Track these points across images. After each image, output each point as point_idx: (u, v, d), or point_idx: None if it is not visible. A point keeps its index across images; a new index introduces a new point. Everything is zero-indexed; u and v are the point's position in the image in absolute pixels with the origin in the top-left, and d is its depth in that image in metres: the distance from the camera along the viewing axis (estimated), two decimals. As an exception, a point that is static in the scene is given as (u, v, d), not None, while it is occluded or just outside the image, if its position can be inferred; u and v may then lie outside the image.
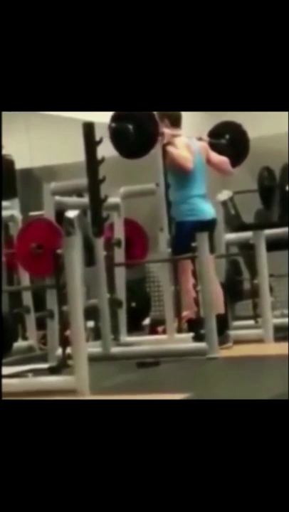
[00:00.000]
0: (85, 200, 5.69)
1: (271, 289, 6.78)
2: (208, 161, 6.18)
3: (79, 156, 5.67)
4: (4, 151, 6.16)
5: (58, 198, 5.67)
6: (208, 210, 6.09)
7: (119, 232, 6.25)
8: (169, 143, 5.93)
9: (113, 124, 5.75)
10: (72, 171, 7.23)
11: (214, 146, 6.32)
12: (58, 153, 9.35)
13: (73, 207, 5.67)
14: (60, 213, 5.54)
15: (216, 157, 6.23)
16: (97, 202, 5.52)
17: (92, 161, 5.49)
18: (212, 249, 6.09)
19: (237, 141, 6.58)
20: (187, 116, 6.26)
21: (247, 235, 6.56)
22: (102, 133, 5.55)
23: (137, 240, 6.38)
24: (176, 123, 6.07)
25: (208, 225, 5.95)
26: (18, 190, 6.46)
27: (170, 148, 5.93)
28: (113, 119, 5.79)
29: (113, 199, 6.05)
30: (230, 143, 6.52)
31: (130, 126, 5.71)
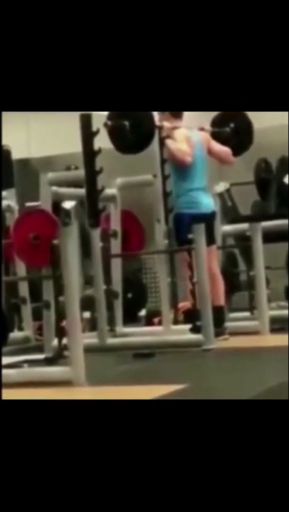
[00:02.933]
0: (82, 191, 5.69)
1: (268, 281, 6.79)
2: (209, 151, 6.14)
3: (76, 146, 5.67)
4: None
5: (54, 188, 5.66)
6: (207, 203, 6.08)
7: (115, 224, 6.25)
8: (168, 136, 5.91)
9: (109, 122, 5.73)
10: (70, 162, 7.24)
11: (217, 135, 6.28)
12: (55, 144, 9.34)
13: (70, 198, 5.67)
14: (56, 204, 5.55)
15: (217, 147, 6.18)
16: (93, 193, 5.52)
17: (89, 152, 5.49)
18: (213, 240, 6.09)
19: (241, 130, 6.54)
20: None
21: (243, 226, 6.56)
22: (99, 124, 5.55)
23: (133, 231, 6.38)
24: (177, 115, 6.03)
25: (207, 218, 5.94)
26: (14, 180, 6.45)
27: (169, 142, 5.90)
28: (109, 116, 5.78)
29: (110, 190, 6.05)
30: (234, 132, 6.48)
31: (126, 123, 5.70)
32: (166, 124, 5.91)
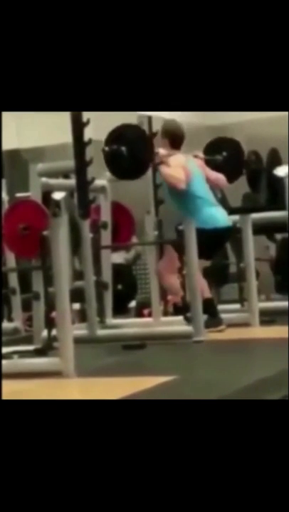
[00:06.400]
0: (72, 181, 5.67)
1: (257, 273, 6.79)
2: (206, 178, 6.12)
3: (66, 137, 5.64)
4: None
5: (44, 179, 5.64)
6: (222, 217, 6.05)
7: (105, 215, 6.24)
8: (162, 162, 5.87)
9: (107, 148, 5.70)
10: (60, 153, 7.22)
11: (209, 163, 6.28)
12: (45, 135, 9.30)
13: (60, 188, 5.65)
14: (46, 195, 5.53)
15: (213, 174, 6.15)
16: (83, 184, 5.51)
17: (80, 143, 5.47)
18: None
19: (234, 158, 6.55)
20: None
21: (233, 218, 6.55)
22: (89, 115, 5.53)
23: (123, 222, 6.37)
24: (176, 145, 5.99)
25: (225, 233, 5.95)
26: (4, 171, 6.42)
27: (162, 169, 5.86)
28: (107, 141, 5.74)
29: (100, 181, 6.03)
30: (227, 160, 6.50)
31: (124, 149, 5.67)
32: (161, 151, 5.88)
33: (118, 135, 5.73)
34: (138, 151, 5.70)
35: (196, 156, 6.18)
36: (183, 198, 5.89)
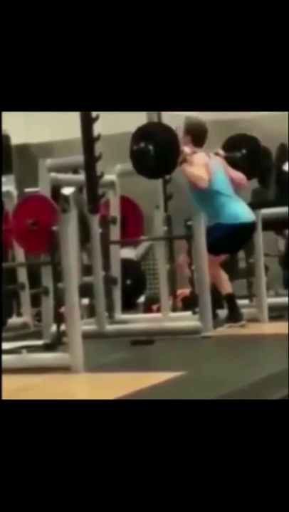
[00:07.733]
0: (81, 177, 5.68)
1: (266, 269, 6.78)
2: (229, 178, 6.09)
3: (75, 132, 5.65)
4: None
5: (53, 174, 5.64)
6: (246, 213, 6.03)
7: (114, 210, 6.24)
8: (185, 160, 5.83)
9: (134, 146, 5.61)
10: (69, 148, 7.22)
11: (229, 160, 6.23)
12: (54, 130, 9.31)
13: (69, 184, 5.66)
14: (55, 190, 5.53)
15: (234, 173, 6.11)
16: (93, 179, 5.51)
17: (89, 138, 5.47)
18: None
19: (252, 155, 6.49)
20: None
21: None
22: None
23: (132, 217, 6.37)
24: (199, 143, 5.95)
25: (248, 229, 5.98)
26: (13, 166, 6.43)
27: (185, 167, 5.82)
28: (134, 139, 5.62)
29: (109, 176, 6.03)
30: (246, 157, 6.43)
31: (151, 148, 5.58)
32: (186, 150, 5.83)
33: (145, 133, 5.59)
34: (165, 149, 5.58)
35: (217, 154, 6.14)
36: (206, 196, 5.85)
